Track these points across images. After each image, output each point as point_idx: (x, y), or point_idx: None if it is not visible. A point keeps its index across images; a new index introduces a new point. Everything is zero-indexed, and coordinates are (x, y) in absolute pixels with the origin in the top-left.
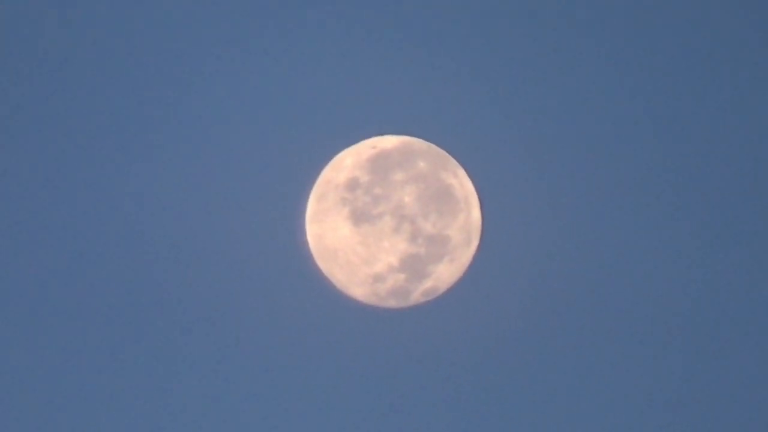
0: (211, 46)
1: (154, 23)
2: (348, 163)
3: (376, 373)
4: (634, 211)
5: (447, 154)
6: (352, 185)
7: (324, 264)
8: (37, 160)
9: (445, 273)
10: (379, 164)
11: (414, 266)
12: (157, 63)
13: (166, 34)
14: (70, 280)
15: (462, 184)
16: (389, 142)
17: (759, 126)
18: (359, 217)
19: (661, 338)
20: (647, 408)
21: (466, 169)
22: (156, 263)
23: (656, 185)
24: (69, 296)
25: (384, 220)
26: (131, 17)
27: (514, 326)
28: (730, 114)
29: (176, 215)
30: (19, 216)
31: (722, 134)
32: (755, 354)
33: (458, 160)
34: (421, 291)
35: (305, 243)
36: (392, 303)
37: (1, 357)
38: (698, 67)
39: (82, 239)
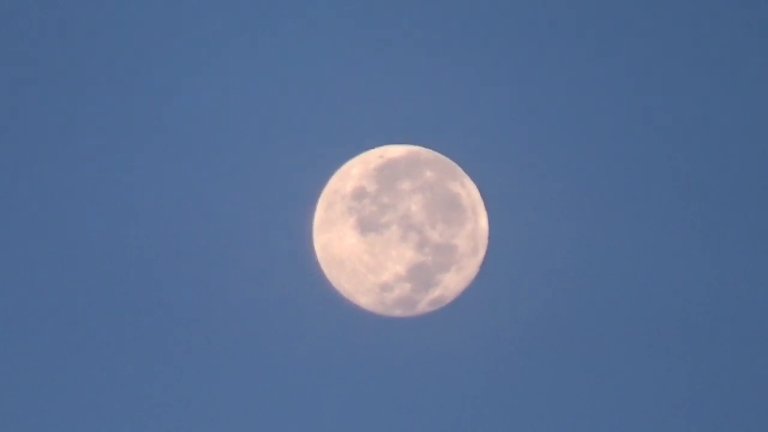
0: (220, 55)
1: (165, 34)
2: (355, 172)
3: (383, 383)
4: (642, 219)
5: (454, 164)
6: (359, 194)
7: (331, 273)
8: (61, 163)
9: (452, 282)
10: (387, 174)
11: (421, 275)
12: (166, 73)
13: (175, 43)
14: (83, 299)
15: (469, 193)
16: (396, 151)
17: None
18: (366, 226)
19: (671, 348)
20: (655, 415)
21: (473, 179)
22: (163, 271)
23: (666, 192)
24: (80, 315)
25: (391, 230)
26: (147, 30)
27: (520, 335)
28: (750, 114)
29: (184, 223)
30: (47, 215)
31: (740, 135)
32: None
33: (465, 170)
34: (427, 300)
35: (312, 252)
36: (399, 312)
37: (9, 356)
38: (709, 67)
39: (97, 255)
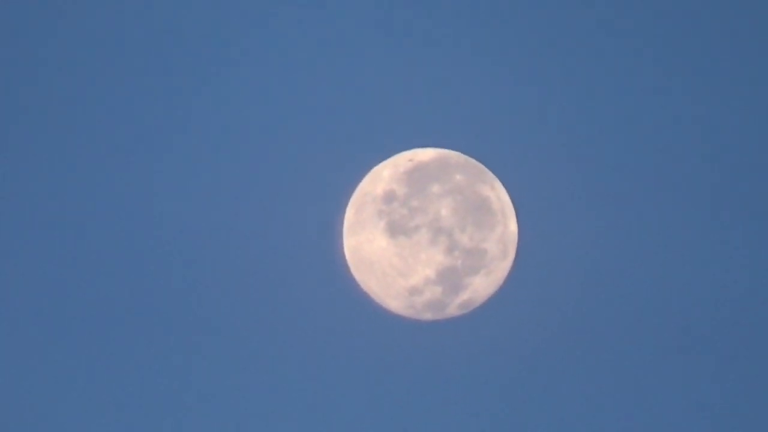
0: (253, 56)
1: (189, 37)
2: (385, 175)
3: (412, 386)
4: (675, 222)
5: (484, 167)
6: (389, 197)
7: (360, 276)
8: (98, 164)
9: (482, 286)
10: (416, 177)
11: (450, 279)
12: (195, 77)
13: (205, 47)
14: (103, 293)
15: (499, 196)
16: (426, 154)
17: None
18: (396, 230)
19: (703, 350)
20: (684, 414)
21: (502, 182)
22: (192, 274)
23: (701, 196)
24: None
25: (420, 233)
26: (168, 35)
27: (549, 339)
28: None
29: (214, 226)
30: (64, 214)
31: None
32: None
33: (495, 173)
34: (457, 304)
35: (342, 255)
36: (428, 315)
37: (10, 356)
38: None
39: (125, 260)
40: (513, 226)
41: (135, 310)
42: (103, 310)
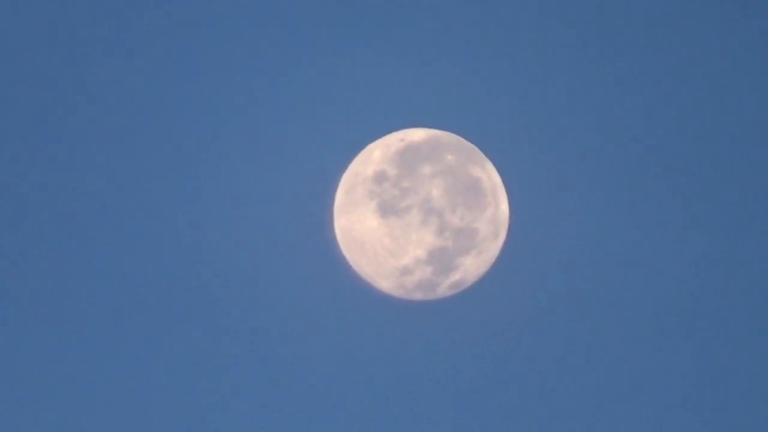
0: (242, 39)
1: (182, 19)
2: (376, 155)
3: (403, 366)
4: (664, 204)
5: (475, 148)
6: (380, 178)
7: (351, 256)
8: (95, 160)
9: (473, 266)
10: (407, 157)
11: (441, 259)
12: (188, 56)
13: (196, 28)
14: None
15: (490, 177)
16: (417, 135)
17: None
18: (387, 210)
19: (690, 333)
20: (676, 398)
21: (494, 163)
22: (183, 254)
23: (690, 177)
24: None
25: (412, 213)
26: (161, 11)
27: (541, 319)
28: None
29: (204, 207)
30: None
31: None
32: None
33: (486, 154)
34: (448, 284)
35: (333, 235)
36: (419, 295)
37: (11, 356)
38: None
39: (122, 242)
40: (504, 207)
41: (126, 290)
42: (83, 282)
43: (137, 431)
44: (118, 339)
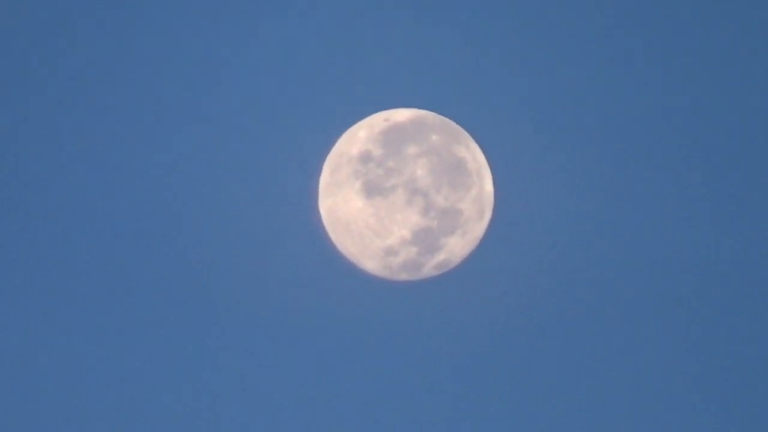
0: (225, 19)
1: (161, 7)
2: (361, 135)
3: (388, 346)
4: (649, 186)
5: (460, 128)
6: (365, 158)
7: (336, 237)
8: (55, 156)
9: (458, 246)
10: (392, 137)
11: (426, 239)
12: (168, 42)
13: (173, 14)
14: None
15: (474, 157)
16: (402, 115)
17: None
18: (372, 190)
19: (673, 317)
20: (654, 383)
21: (478, 143)
22: (167, 235)
23: (672, 161)
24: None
25: (397, 193)
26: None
27: (525, 300)
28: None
29: (188, 186)
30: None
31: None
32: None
33: (471, 134)
34: (433, 264)
35: (318, 215)
36: (404, 276)
37: (11, 356)
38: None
39: (103, 222)
40: (489, 187)
41: (109, 275)
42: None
43: (120, 423)
44: (99, 323)
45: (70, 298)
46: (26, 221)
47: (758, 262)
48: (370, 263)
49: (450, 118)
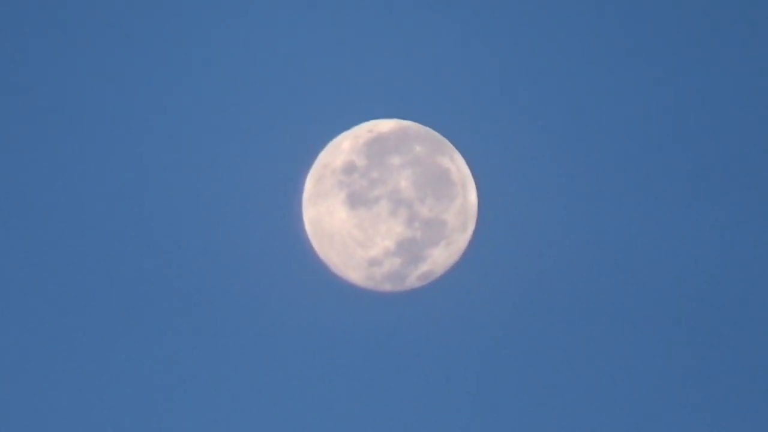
0: (210, 29)
1: (153, 4)
2: (345, 146)
3: (372, 357)
4: (631, 197)
5: (443, 139)
6: (349, 169)
7: (320, 247)
8: (35, 152)
9: (441, 257)
10: (376, 148)
11: (410, 250)
12: (156, 45)
13: (163, 15)
14: (69, 261)
15: (458, 168)
16: (386, 126)
17: None
18: (356, 201)
19: (657, 323)
20: (643, 392)
21: (462, 154)
22: (151, 245)
23: (655, 172)
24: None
25: (380, 204)
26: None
27: (509, 310)
28: (742, 98)
29: (172, 198)
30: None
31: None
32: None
33: (455, 145)
34: (417, 275)
35: (301, 226)
36: (388, 287)
37: (12, 355)
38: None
39: (93, 235)
40: (473, 198)
41: (97, 282)
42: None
43: (109, 424)
44: (87, 327)
45: (46, 301)
46: (20, 221)
47: (734, 260)
48: (354, 274)
49: (434, 128)
